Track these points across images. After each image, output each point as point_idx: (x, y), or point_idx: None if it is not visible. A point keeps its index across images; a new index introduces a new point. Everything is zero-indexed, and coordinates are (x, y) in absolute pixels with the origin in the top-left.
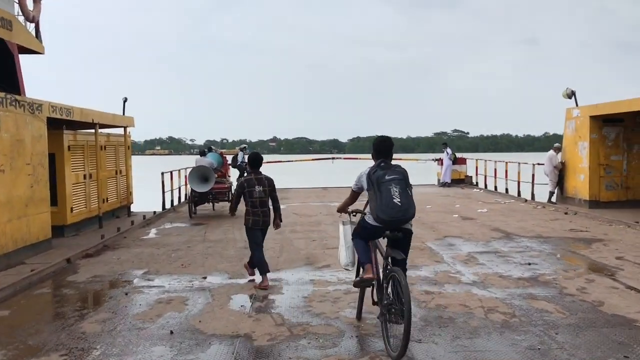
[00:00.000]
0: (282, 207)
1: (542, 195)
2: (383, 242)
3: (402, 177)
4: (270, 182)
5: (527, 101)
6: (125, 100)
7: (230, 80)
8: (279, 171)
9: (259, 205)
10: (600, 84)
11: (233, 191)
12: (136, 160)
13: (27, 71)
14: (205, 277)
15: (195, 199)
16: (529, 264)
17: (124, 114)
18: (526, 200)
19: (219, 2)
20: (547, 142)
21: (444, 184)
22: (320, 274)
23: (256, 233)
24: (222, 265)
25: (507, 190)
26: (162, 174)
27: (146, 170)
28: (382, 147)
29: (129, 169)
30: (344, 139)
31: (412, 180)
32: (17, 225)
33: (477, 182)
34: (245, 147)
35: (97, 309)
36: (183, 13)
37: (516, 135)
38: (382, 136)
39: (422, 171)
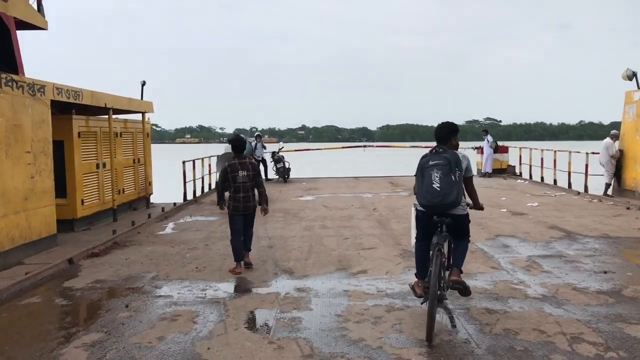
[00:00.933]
0: (310, 198)
1: (595, 187)
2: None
3: (446, 163)
4: (254, 167)
5: (560, 88)
6: (143, 83)
7: (260, 68)
8: (308, 160)
9: (242, 190)
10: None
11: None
12: (165, 149)
13: (57, 61)
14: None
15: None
16: (605, 272)
17: (142, 98)
18: (579, 193)
19: None
20: (583, 131)
21: (484, 174)
22: (355, 283)
23: (236, 219)
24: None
25: (555, 181)
26: (184, 162)
27: (173, 159)
28: (436, 134)
29: (148, 157)
30: (373, 127)
31: None
32: (14, 220)
33: (520, 172)
34: (259, 135)
35: (89, 327)
36: (214, 1)
37: (550, 124)
38: (441, 122)
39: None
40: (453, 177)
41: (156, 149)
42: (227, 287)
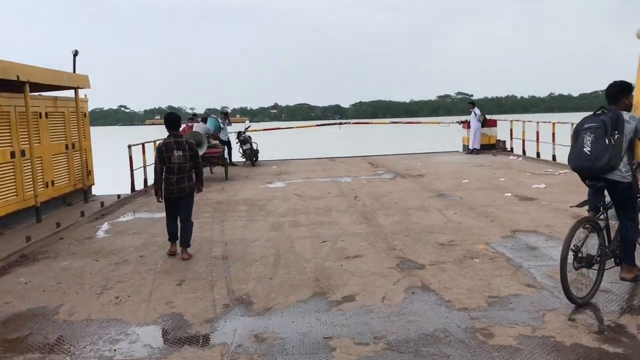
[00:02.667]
0: (280, 184)
1: None
2: None
3: (601, 125)
4: (191, 146)
5: (530, 61)
6: (75, 53)
7: (229, 46)
8: (279, 141)
9: (177, 171)
10: (605, 42)
11: (226, 153)
12: (134, 131)
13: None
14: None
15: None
16: None
17: (74, 71)
18: None
19: None
20: (553, 102)
21: (471, 151)
22: (341, 321)
23: (169, 202)
24: (178, 298)
25: (554, 157)
26: (130, 146)
27: (140, 141)
28: (606, 93)
29: (86, 142)
30: (345, 104)
31: (434, 147)
32: None
33: (511, 148)
34: (226, 112)
35: None
36: None
37: (521, 97)
38: (613, 81)
39: (445, 135)
40: (607, 140)
41: (124, 131)
42: (150, 335)
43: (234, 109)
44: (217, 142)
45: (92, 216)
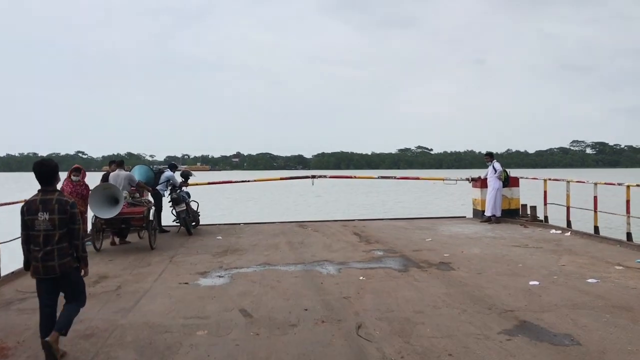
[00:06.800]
0: (217, 279)
1: None
2: None
3: None
4: (62, 206)
5: (485, 119)
6: None
7: (191, 96)
8: (236, 198)
9: (43, 242)
10: (546, 101)
11: (151, 214)
12: (89, 178)
13: None
14: None
15: (104, 227)
16: None
17: None
18: None
19: (177, 19)
20: (510, 159)
21: (489, 219)
22: None
23: (40, 285)
24: None
25: (629, 236)
26: None
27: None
28: None
29: None
30: (308, 155)
31: (438, 213)
32: None
33: (545, 217)
34: (173, 163)
35: None
36: (142, 29)
37: (479, 152)
38: None
39: (448, 195)
40: None
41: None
42: None
43: (194, 157)
44: (145, 199)
45: None
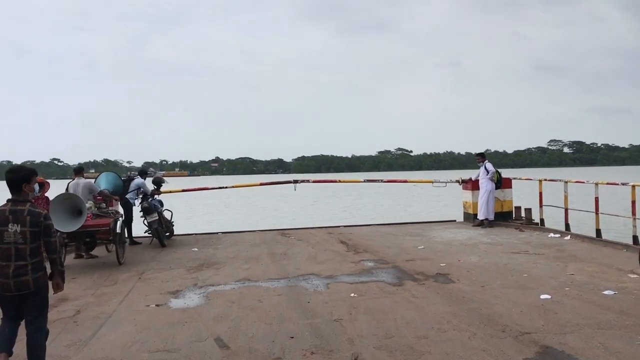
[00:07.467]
0: (192, 301)
1: None
2: None
3: None
4: (35, 218)
5: (461, 120)
6: None
7: (169, 102)
8: (213, 204)
9: (14, 256)
10: (522, 102)
11: (118, 226)
12: (56, 185)
13: None
14: None
15: (66, 241)
16: None
17: None
18: None
19: (155, 24)
20: (489, 159)
21: (482, 223)
22: None
23: (4, 301)
24: None
25: (636, 239)
26: None
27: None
28: None
29: None
30: (288, 158)
31: (426, 217)
32: None
33: (541, 220)
34: (143, 171)
35: None
36: (119, 35)
37: (458, 153)
38: None
39: (437, 198)
40: None
41: (54, 185)
42: None
43: (173, 163)
44: (112, 209)
45: None
